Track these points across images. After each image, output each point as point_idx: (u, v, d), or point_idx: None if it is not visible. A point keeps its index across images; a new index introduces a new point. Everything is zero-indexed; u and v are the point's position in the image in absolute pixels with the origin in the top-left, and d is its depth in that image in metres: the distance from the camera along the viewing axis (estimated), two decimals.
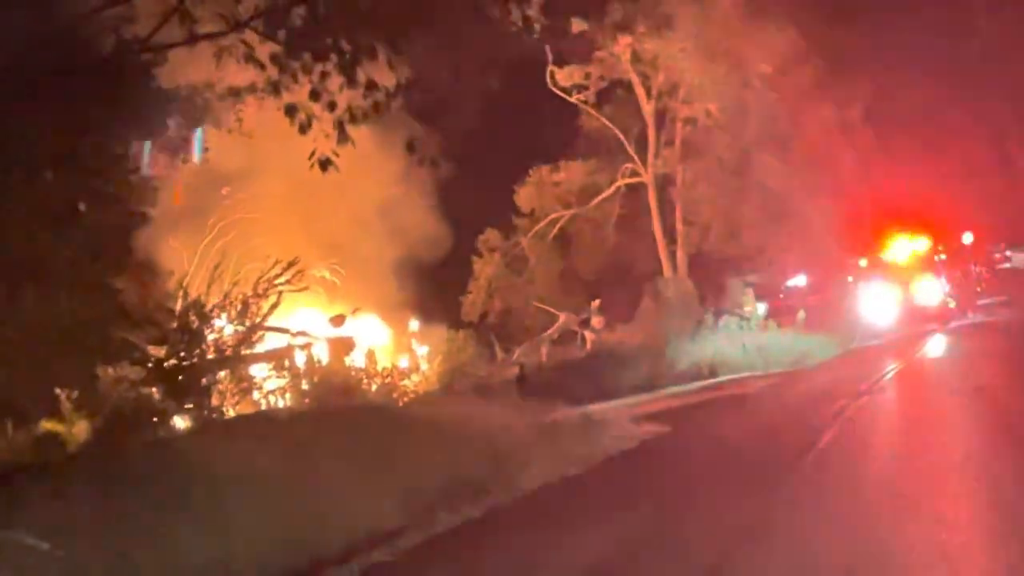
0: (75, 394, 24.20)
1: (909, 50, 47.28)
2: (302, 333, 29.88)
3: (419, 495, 16.52)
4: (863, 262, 53.90)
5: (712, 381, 34.93)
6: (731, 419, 26.43)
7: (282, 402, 26.64)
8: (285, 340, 29.14)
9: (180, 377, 24.31)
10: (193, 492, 14.66)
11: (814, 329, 44.00)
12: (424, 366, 32.74)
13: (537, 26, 23.08)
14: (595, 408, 28.03)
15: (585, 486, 18.66)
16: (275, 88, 19.65)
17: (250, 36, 19.46)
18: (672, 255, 45.29)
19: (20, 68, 15.54)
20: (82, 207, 18.69)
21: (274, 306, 26.36)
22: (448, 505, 16.60)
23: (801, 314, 45.24)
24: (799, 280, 53.34)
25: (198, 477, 15.23)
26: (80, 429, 23.83)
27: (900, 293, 51.02)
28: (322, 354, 29.00)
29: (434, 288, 37.20)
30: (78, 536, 12.88)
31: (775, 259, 46.73)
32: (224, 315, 25.92)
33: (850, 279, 53.28)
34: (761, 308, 46.45)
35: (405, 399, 28.91)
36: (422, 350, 33.92)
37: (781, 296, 51.94)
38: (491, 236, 44.89)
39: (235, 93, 22.40)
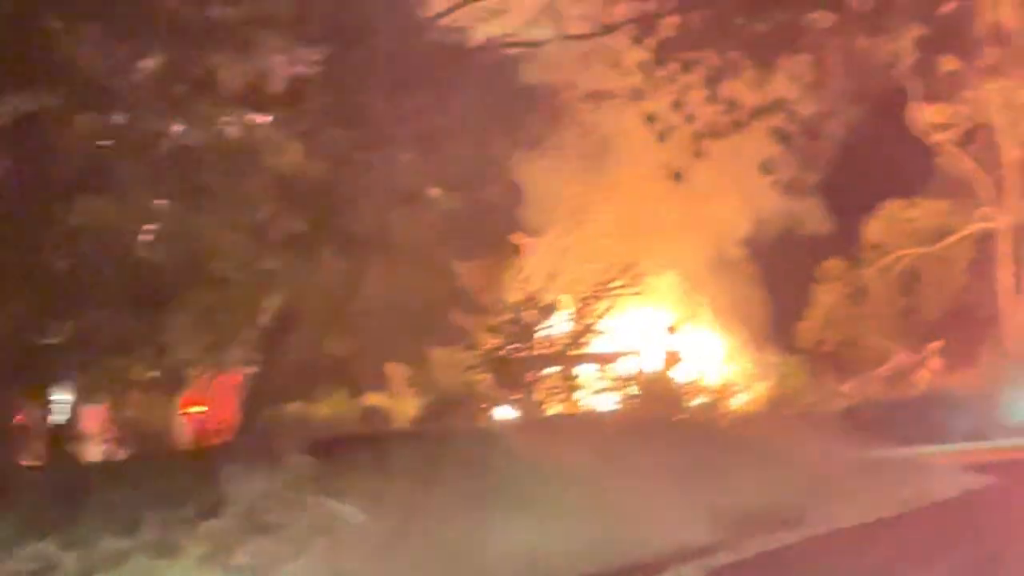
0: (406, 372, 24.96)
1: None
2: (633, 342, 29.85)
3: (732, 516, 16.22)
4: None
5: None
6: None
7: (605, 406, 26.67)
8: (614, 344, 29.12)
9: (509, 368, 24.70)
10: (511, 484, 14.79)
11: None
12: (753, 387, 32.21)
13: (908, 61, 22.39)
14: (922, 451, 26.96)
15: (903, 529, 17.94)
16: (638, 95, 19.76)
17: (618, 41, 19.62)
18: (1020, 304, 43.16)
19: (388, 54, 15.97)
20: (435, 191, 19.13)
21: (608, 309, 26.40)
22: (761, 529, 16.23)
23: None
24: None
25: (518, 471, 15.37)
26: (407, 407, 24.53)
27: None
28: (650, 363, 28.89)
29: (771, 309, 36.66)
30: (394, 510, 13.17)
31: None
32: (559, 313, 26.15)
33: None
34: None
35: (729, 418, 28.51)
36: (753, 371, 33.41)
37: None
38: (834, 265, 43.82)
39: (596, 96, 22.55)
